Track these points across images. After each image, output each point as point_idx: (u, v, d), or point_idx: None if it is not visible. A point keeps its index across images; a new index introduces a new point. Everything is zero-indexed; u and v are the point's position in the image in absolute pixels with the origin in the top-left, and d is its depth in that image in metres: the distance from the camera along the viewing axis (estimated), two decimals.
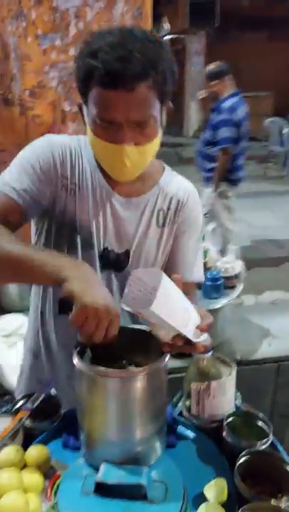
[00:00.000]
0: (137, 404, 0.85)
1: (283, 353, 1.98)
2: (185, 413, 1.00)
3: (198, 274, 1.15)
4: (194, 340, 0.83)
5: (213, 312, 1.86)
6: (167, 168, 1.14)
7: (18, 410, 0.99)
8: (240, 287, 2.01)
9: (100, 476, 0.81)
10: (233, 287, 2.02)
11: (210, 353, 0.95)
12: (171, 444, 0.94)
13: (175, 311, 0.80)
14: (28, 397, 1.03)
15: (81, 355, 0.87)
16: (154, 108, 0.93)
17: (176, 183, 1.13)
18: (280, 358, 1.98)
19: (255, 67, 10.03)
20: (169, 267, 1.15)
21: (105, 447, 0.87)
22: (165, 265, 1.16)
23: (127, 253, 1.10)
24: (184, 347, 0.85)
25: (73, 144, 1.08)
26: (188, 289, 1.13)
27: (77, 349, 0.87)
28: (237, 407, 1.01)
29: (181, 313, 0.82)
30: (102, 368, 0.82)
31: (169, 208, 1.11)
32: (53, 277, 0.86)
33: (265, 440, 0.89)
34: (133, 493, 0.80)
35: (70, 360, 0.90)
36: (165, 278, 0.78)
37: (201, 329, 0.85)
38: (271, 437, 0.90)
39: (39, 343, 1.21)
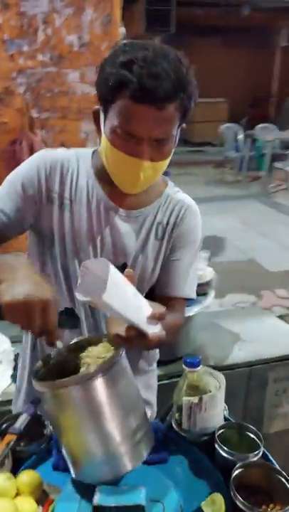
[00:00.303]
0: (108, 405, 0.80)
1: (254, 358, 2.02)
2: (175, 427, 0.99)
3: (189, 290, 1.14)
4: (147, 330, 0.81)
5: (186, 320, 1.87)
6: (170, 183, 1.14)
7: (2, 433, 0.95)
8: (211, 294, 2.04)
9: (96, 500, 0.79)
10: (204, 294, 2.03)
11: (200, 367, 0.96)
12: (163, 460, 0.94)
13: (127, 301, 0.79)
14: (12, 418, 1.00)
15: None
16: (175, 128, 0.96)
17: (177, 198, 1.13)
18: (251, 362, 2.01)
19: (210, 75, 10.22)
20: (161, 281, 1.14)
21: (90, 460, 0.84)
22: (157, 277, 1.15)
23: (124, 266, 1.09)
24: (137, 338, 0.82)
25: (67, 158, 1.07)
26: (176, 304, 1.13)
27: (36, 373, 0.84)
28: (226, 419, 1.01)
29: (132, 303, 0.81)
30: (58, 380, 0.78)
31: (168, 223, 1.12)
32: None
33: (256, 452, 0.91)
34: None
35: None
36: (113, 269, 0.77)
37: (153, 317, 0.83)
38: (262, 448, 0.92)
39: (37, 358, 1.16)
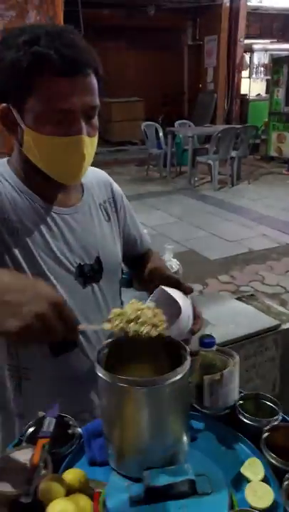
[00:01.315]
0: (168, 408, 0.87)
1: (224, 338, 2.11)
2: (196, 406, 1.04)
3: (148, 239, 1.31)
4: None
5: None
6: None
7: (31, 439, 0.94)
8: None
9: (148, 482, 0.82)
10: None
11: (215, 347, 1.02)
12: (192, 438, 0.98)
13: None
14: (35, 424, 0.99)
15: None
16: (97, 97, 0.93)
17: (91, 174, 1.12)
18: (223, 343, 2.11)
19: (121, 74, 10.40)
20: (130, 249, 1.22)
21: (139, 455, 0.88)
22: (123, 249, 1.20)
23: (97, 260, 1.09)
24: None
25: None
26: (151, 254, 1.28)
27: (99, 362, 0.87)
28: (240, 392, 1.08)
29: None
30: (133, 378, 0.82)
31: (105, 201, 1.15)
32: None
33: (276, 417, 0.98)
34: (183, 490, 0.83)
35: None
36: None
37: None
38: (281, 413, 0.99)
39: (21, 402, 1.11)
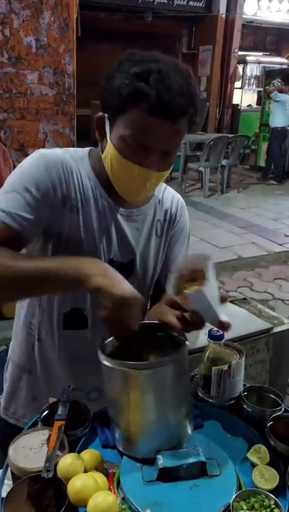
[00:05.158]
0: (170, 391, 0.91)
1: None
2: (202, 396, 1.09)
3: None
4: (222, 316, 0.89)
5: None
6: None
7: (45, 421, 0.98)
8: None
9: (161, 463, 0.87)
10: None
11: (224, 340, 1.07)
12: (198, 425, 1.03)
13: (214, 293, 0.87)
14: (49, 407, 1.02)
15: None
16: (181, 141, 1.00)
17: (168, 194, 1.20)
18: None
19: None
20: (162, 277, 1.21)
21: (145, 438, 0.92)
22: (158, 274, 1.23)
23: (131, 262, 1.15)
24: (199, 323, 0.90)
25: (69, 160, 1.05)
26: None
27: (102, 350, 0.91)
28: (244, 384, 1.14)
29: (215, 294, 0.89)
30: (133, 362, 0.86)
31: (165, 220, 1.19)
32: (73, 278, 0.89)
33: (279, 407, 1.04)
34: (194, 471, 0.88)
35: (68, 373, 1.02)
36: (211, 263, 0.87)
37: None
38: (283, 405, 1.05)
39: (34, 360, 1.18)
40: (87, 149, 1.12)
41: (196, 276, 0.91)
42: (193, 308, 0.89)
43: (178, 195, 1.24)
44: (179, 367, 0.90)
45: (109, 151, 0.99)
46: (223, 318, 0.89)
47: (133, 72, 0.90)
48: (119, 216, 1.11)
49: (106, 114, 0.99)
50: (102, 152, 1.03)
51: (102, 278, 0.87)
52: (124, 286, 0.88)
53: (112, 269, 0.92)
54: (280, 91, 8.50)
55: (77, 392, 1.10)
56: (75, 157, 1.07)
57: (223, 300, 0.90)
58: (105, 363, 0.88)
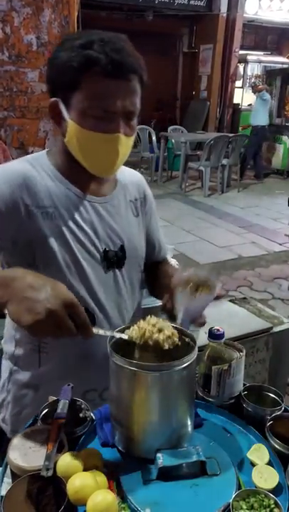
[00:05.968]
0: (176, 393, 0.91)
1: None
2: (202, 395, 1.09)
3: (167, 249, 1.36)
4: None
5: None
6: None
7: (45, 420, 0.98)
8: None
9: (161, 462, 0.87)
10: None
11: (224, 339, 1.07)
12: (198, 425, 1.03)
13: None
14: (49, 406, 1.02)
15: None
16: (139, 100, 1.01)
17: (128, 174, 1.23)
18: None
19: None
20: (149, 253, 1.26)
21: (147, 438, 0.92)
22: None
23: (122, 248, 1.16)
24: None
25: (29, 169, 1.04)
26: (167, 264, 1.32)
27: (112, 348, 0.91)
28: (244, 383, 1.13)
29: None
30: (142, 363, 0.86)
31: (136, 198, 1.22)
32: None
33: (279, 407, 1.03)
34: (194, 471, 0.87)
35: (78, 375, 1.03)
36: None
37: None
38: (283, 404, 1.05)
39: (39, 375, 1.17)
40: (44, 151, 1.13)
41: (201, 284, 1.05)
42: (187, 304, 1.00)
43: (135, 172, 1.27)
44: (187, 371, 0.90)
45: (73, 130, 0.99)
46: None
47: (78, 44, 0.93)
48: (96, 205, 1.11)
49: (58, 99, 0.99)
50: (65, 137, 1.02)
51: (11, 306, 0.80)
52: (32, 310, 0.78)
53: (25, 284, 0.81)
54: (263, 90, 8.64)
55: (90, 394, 1.15)
56: (34, 163, 1.06)
57: (200, 325, 1.07)
58: (115, 360, 0.88)
